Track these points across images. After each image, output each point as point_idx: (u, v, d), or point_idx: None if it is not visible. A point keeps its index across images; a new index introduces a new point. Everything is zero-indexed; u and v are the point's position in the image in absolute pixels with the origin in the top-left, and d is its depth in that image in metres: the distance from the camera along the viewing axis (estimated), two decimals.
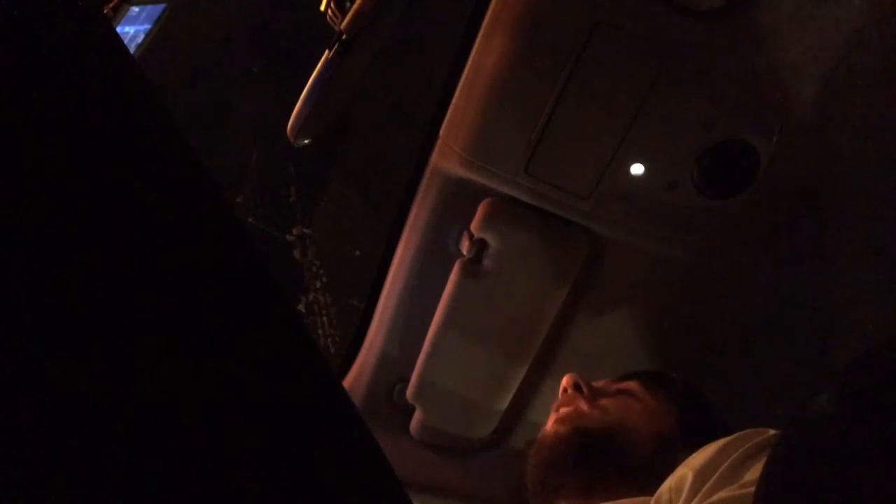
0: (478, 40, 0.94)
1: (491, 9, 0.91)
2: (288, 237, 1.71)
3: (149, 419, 0.26)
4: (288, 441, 0.29)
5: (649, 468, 0.82)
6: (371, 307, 1.21)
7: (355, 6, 0.88)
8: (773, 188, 0.92)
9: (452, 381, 1.15)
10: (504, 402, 1.18)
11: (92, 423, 0.25)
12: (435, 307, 1.11)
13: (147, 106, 0.30)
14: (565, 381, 0.93)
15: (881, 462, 0.33)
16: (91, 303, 0.26)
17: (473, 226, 1.03)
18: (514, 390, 1.17)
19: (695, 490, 0.62)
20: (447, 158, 1.00)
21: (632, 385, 0.91)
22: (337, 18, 0.90)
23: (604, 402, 0.89)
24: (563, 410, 0.89)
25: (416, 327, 1.14)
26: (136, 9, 1.71)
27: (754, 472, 0.59)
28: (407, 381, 1.19)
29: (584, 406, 0.88)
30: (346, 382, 1.22)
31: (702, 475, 0.63)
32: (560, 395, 0.93)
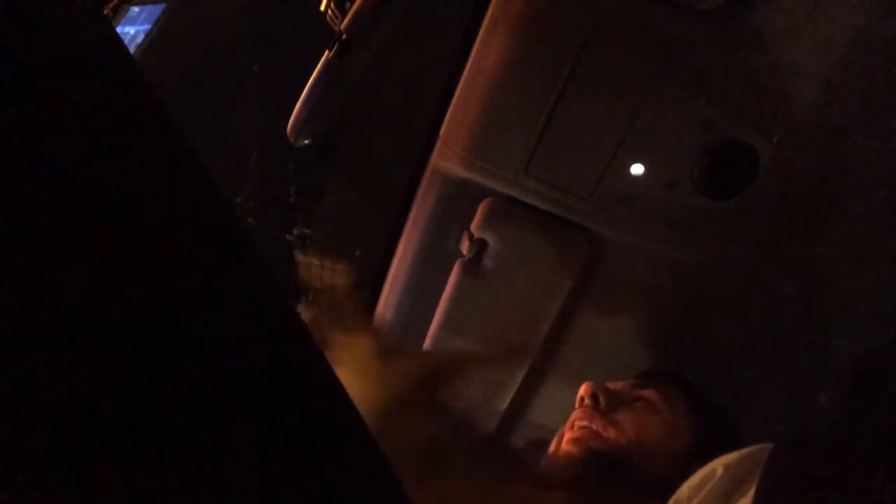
0: (478, 40, 0.94)
1: (491, 9, 0.91)
2: (288, 237, 1.70)
3: (148, 419, 0.26)
4: (287, 441, 0.29)
5: (661, 483, 0.81)
6: (371, 307, 1.21)
7: (355, 6, 0.88)
8: (772, 188, 0.92)
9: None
10: (504, 402, 1.18)
11: (92, 423, 0.25)
12: (435, 307, 1.11)
13: (147, 106, 0.30)
14: (583, 390, 0.90)
15: (881, 461, 0.33)
16: (90, 303, 0.26)
17: (473, 226, 1.03)
18: (514, 390, 1.16)
19: (726, 488, 0.61)
20: (447, 158, 1.00)
21: (651, 394, 0.89)
22: (337, 18, 0.90)
23: (620, 417, 0.87)
24: (578, 430, 0.86)
25: (416, 327, 1.14)
26: (136, 9, 1.72)
27: None
28: None
29: (599, 428, 0.85)
30: None
31: (735, 473, 0.62)
32: (577, 404, 0.91)
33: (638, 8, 0.84)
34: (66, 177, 0.27)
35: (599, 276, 1.06)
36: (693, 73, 0.87)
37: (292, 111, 0.96)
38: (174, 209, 0.29)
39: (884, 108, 0.86)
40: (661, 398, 0.88)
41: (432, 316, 1.12)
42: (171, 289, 0.28)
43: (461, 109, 0.97)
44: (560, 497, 0.73)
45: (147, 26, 1.70)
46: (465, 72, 0.96)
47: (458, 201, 1.03)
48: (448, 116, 0.99)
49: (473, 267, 1.04)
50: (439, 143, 1.00)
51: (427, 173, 1.05)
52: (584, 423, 0.87)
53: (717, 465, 0.64)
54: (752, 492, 0.58)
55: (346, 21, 0.89)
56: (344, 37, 0.89)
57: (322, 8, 0.92)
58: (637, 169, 0.92)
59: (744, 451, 0.64)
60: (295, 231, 1.72)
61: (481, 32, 0.93)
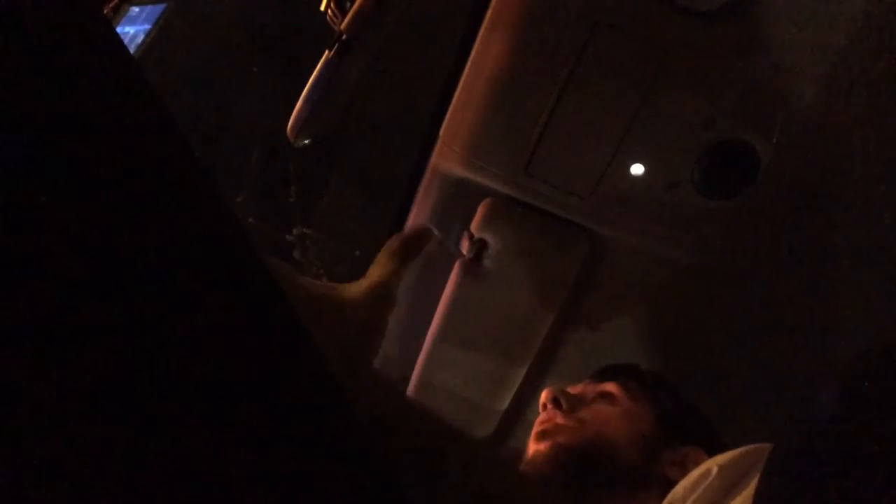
0: (478, 40, 0.94)
1: (491, 9, 0.91)
2: (288, 237, 1.70)
3: (148, 419, 0.26)
4: (286, 442, 0.29)
5: (636, 470, 0.82)
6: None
7: (355, 6, 0.88)
8: (773, 188, 0.92)
9: (452, 381, 1.15)
10: (504, 402, 1.18)
11: (91, 423, 0.25)
12: (435, 307, 1.11)
13: (147, 106, 0.30)
14: (544, 396, 0.92)
15: (882, 462, 0.33)
16: (90, 303, 0.26)
17: (473, 226, 1.03)
18: (514, 390, 1.17)
19: (720, 487, 0.61)
20: (447, 158, 1.00)
21: (610, 387, 0.91)
22: (337, 18, 0.90)
23: (582, 413, 0.89)
24: (542, 426, 0.88)
25: (416, 327, 1.14)
26: (136, 9, 1.72)
27: None
28: (407, 380, 1.19)
29: (562, 421, 0.88)
30: None
31: (729, 473, 0.62)
32: (540, 410, 0.93)
33: (638, 8, 0.84)
34: (65, 177, 0.27)
35: (599, 276, 1.06)
36: (693, 73, 0.87)
37: (292, 111, 0.96)
38: (174, 209, 0.29)
39: (884, 108, 0.86)
40: (619, 388, 0.90)
41: (432, 316, 1.12)
42: (170, 289, 0.28)
43: (461, 109, 0.97)
44: (544, 496, 0.73)
45: (147, 26, 1.70)
46: (465, 72, 0.96)
47: (458, 201, 1.04)
48: (448, 116, 0.99)
49: (473, 267, 1.04)
50: (439, 143, 1.00)
51: (427, 173, 1.05)
52: (548, 422, 0.89)
53: (712, 465, 0.64)
54: (746, 491, 0.58)
55: (346, 21, 0.89)
56: (344, 37, 0.89)
57: (322, 8, 0.92)
58: (637, 169, 0.92)
59: (739, 450, 0.65)
60: (295, 231, 1.72)
61: (481, 32, 0.93)
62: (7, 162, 0.26)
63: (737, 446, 0.88)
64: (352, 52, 0.90)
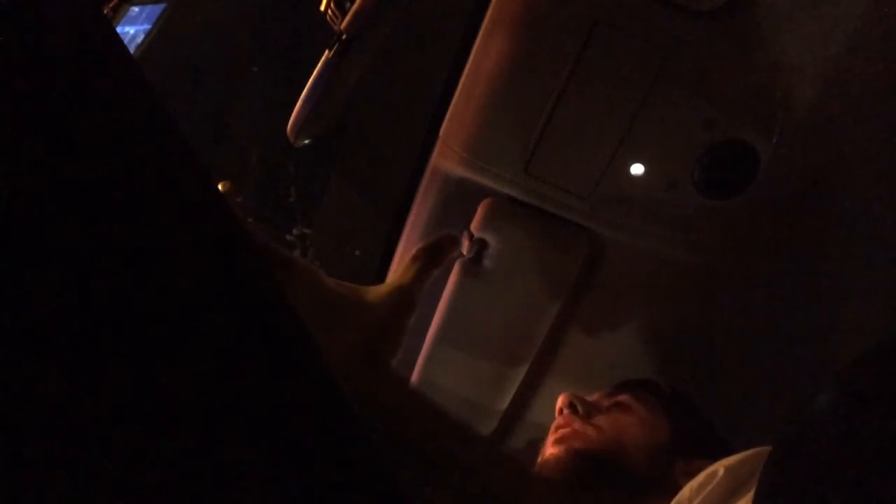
0: (478, 40, 0.94)
1: (491, 9, 0.91)
2: (288, 237, 1.70)
3: (148, 419, 0.26)
4: (286, 442, 0.29)
5: (649, 479, 0.82)
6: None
7: (355, 6, 0.88)
8: (773, 188, 0.92)
9: (452, 381, 1.15)
10: (504, 402, 1.18)
11: (90, 423, 0.25)
12: (435, 307, 1.11)
13: (147, 106, 0.30)
14: (560, 401, 0.93)
15: (881, 462, 0.33)
16: (89, 303, 0.26)
17: (473, 226, 1.03)
18: (514, 390, 1.16)
19: (727, 490, 0.62)
20: (447, 158, 1.00)
21: (625, 398, 0.92)
22: (337, 18, 0.90)
23: (599, 420, 0.90)
24: (560, 431, 0.89)
25: (415, 327, 1.14)
26: (136, 9, 1.72)
27: None
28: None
29: (580, 428, 0.88)
30: None
31: (735, 474, 0.63)
32: (556, 416, 0.94)
33: (638, 8, 0.84)
34: (65, 177, 0.27)
35: (599, 277, 1.06)
36: (693, 73, 0.87)
37: (292, 111, 0.96)
38: (174, 209, 0.29)
39: (884, 108, 0.86)
40: (635, 399, 0.91)
41: (432, 316, 1.11)
42: (170, 289, 0.28)
43: (461, 109, 0.97)
44: (553, 495, 0.74)
45: (147, 26, 1.70)
46: (465, 72, 0.96)
47: (458, 201, 1.03)
48: (448, 116, 0.99)
49: (473, 267, 1.04)
50: (439, 143, 1.00)
51: (427, 173, 1.05)
52: (565, 427, 0.89)
53: (719, 467, 0.64)
54: (752, 493, 0.58)
55: (346, 21, 0.88)
56: (344, 37, 0.89)
57: (322, 8, 0.92)
58: (637, 169, 0.92)
59: (746, 453, 0.65)
60: (295, 231, 1.72)
61: (481, 32, 0.93)
62: (7, 162, 0.26)
63: (735, 444, 0.88)
64: (352, 52, 0.90)
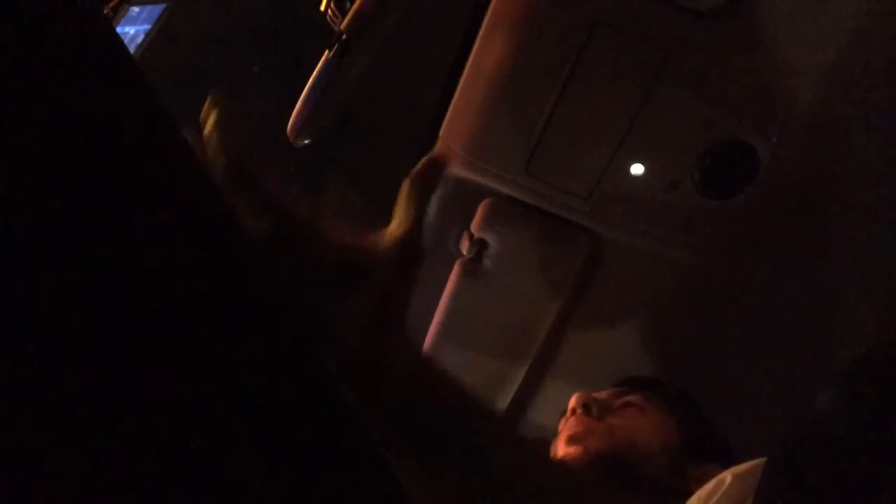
0: (478, 40, 0.93)
1: (491, 9, 0.91)
2: None
3: (148, 419, 0.26)
4: (285, 442, 0.29)
5: (662, 480, 0.82)
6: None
7: (355, 6, 0.88)
8: (773, 188, 0.92)
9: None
10: (504, 402, 1.18)
11: (91, 423, 0.25)
12: (435, 307, 1.11)
13: (147, 106, 0.30)
14: (574, 401, 0.93)
15: (881, 462, 0.33)
16: (89, 303, 0.26)
17: (473, 226, 1.03)
18: (514, 390, 1.16)
19: (734, 497, 0.62)
20: (447, 158, 1.00)
21: (635, 399, 0.92)
22: (337, 18, 0.90)
23: (612, 420, 0.89)
24: (573, 431, 0.89)
25: (416, 327, 1.14)
26: (136, 9, 1.71)
27: None
28: None
29: (594, 429, 0.88)
30: None
31: (743, 482, 0.63)
32: (567, 415, 0.93)
33: (638, 7, 0.84)
34: (64, 177, 0.27)
35: (599, 277, 1.06)
36: (693, 73, 0.87)
37: (292, 111, 0.96)
38: (174, 209, 0.29)
39: (884, 108, 0.85)
40: (646, 401, 0.91)
41: (432, 316, 1.11)
42: (170, 289, 0.28)
43: (461, 109, 0.97)
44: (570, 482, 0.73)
45: (147, 26, 1.70)
46: (465, 72, 0.95)
47: (458, 201, 1.03)
48: (448, 116, 0.99)
49: (473, 267, 1.04)
50: (439, 143, 1.00)
51: None
52: (578, 426, 0.89)
53: (727, 474, 0.65)
54: None
55: (346, 21, 0.88)
56: (344, 37, 0.89)
57: (322, 8, 0.92)
58: (637, 169, 0.92)
59: (753, 461, 0.65)
60: None
61: (481, 32, 0.93)
62: (6, 162, 0.26)
63: (735, 444, 0.88)
64: (352, 52, 0.90)
